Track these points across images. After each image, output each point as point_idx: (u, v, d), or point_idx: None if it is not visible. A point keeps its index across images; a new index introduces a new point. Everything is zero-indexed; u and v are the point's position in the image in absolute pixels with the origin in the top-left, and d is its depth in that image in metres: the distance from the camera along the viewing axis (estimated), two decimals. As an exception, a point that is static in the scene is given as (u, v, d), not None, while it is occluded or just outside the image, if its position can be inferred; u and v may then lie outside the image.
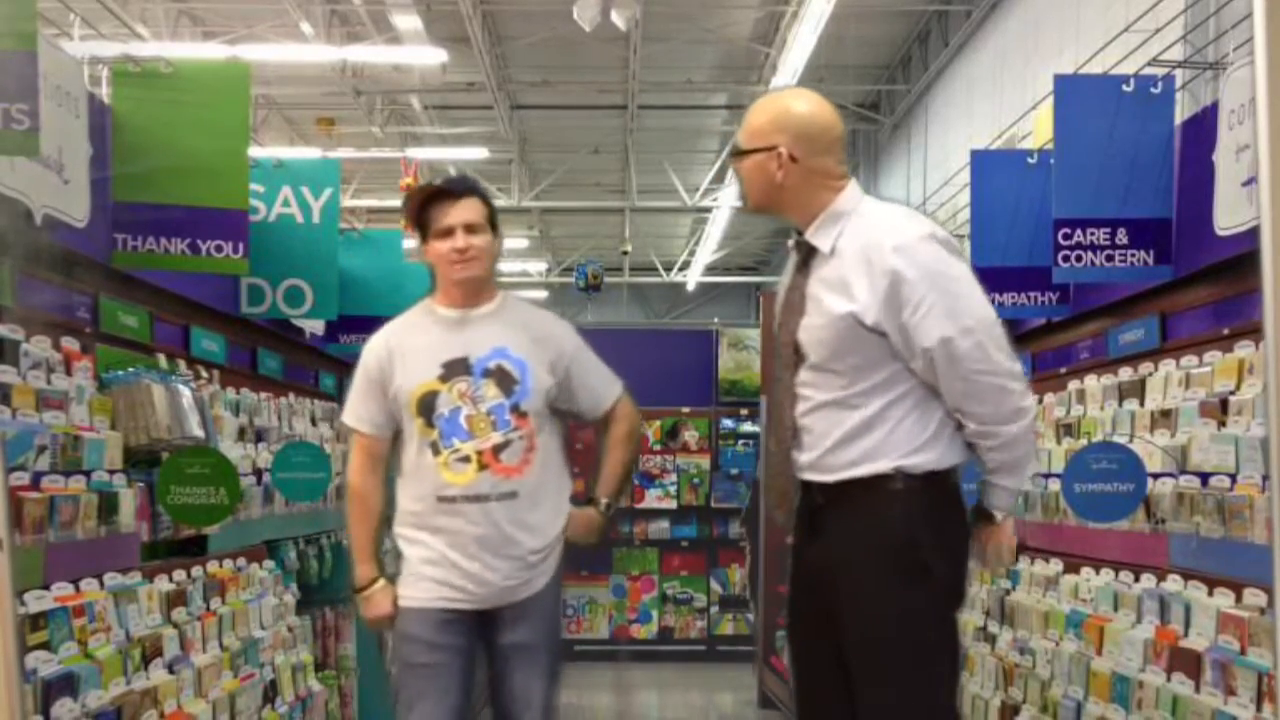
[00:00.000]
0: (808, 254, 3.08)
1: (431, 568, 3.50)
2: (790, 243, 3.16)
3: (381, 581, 3.57)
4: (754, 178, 3.10)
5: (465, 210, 3.54)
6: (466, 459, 3.48)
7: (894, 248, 2.92)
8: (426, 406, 3.50)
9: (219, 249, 4.65)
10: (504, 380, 3.52)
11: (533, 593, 3.55)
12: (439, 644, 3.49)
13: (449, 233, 3.52)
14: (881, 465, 2.96)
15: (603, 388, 3.74)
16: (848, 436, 2.98)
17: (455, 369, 3.52)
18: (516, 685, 3.55)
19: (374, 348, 3.66)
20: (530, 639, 3.55)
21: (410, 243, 7.82)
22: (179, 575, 4.36)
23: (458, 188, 3.59)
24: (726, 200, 17.51)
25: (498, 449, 3.49)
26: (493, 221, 3.59)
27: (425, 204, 3.56)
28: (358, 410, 3.64)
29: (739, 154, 3.11)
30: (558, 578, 3.63)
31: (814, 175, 3.05)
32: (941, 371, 2.93)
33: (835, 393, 3.00)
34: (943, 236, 3.00)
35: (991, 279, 5.55)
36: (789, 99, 3.16)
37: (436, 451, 3.49)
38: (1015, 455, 3.01)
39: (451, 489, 3.48)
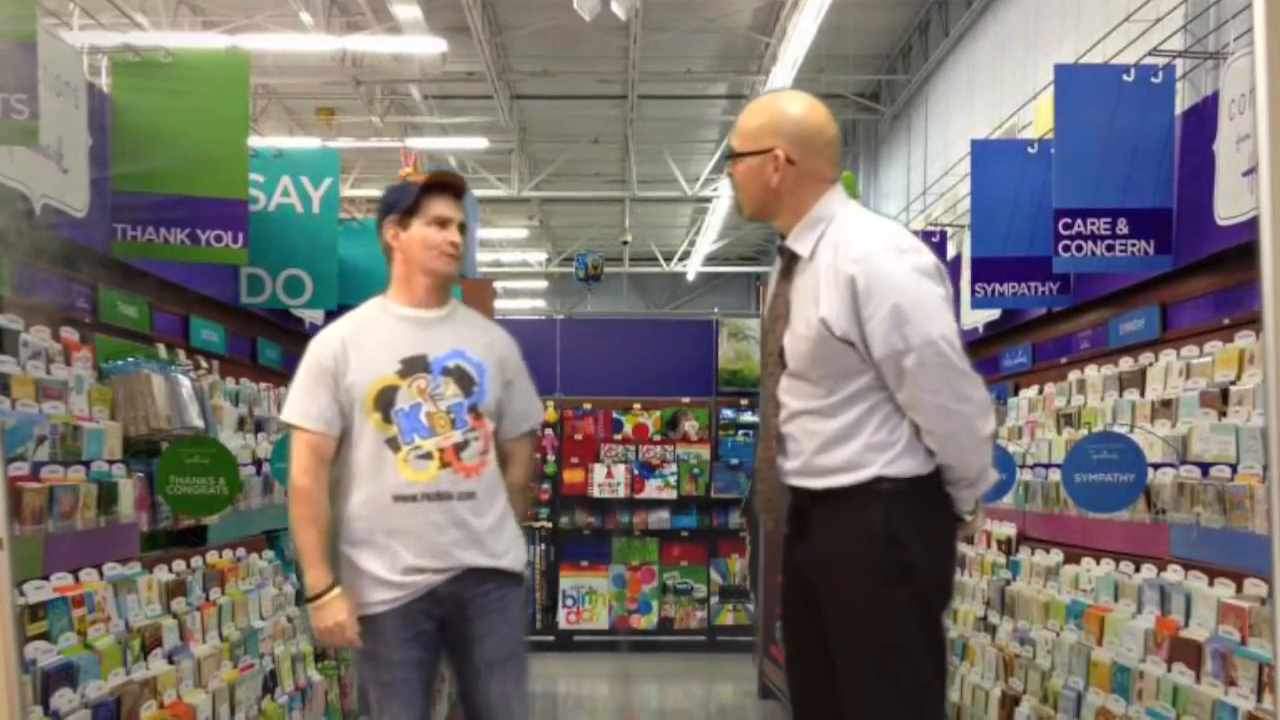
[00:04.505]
0: (791, 260, 3.07)
1: (389, 573, 3.40)
2: (777, 246, 3.15)
3: (337, 589, 3.39)
4: (749, 181, 3.07)
5: (459, 209, 3.55)
6: (428, 455, 3.40)
7: (855, 258, 2.90)
8: (384, 401, 3.41)
9: (218, 239, 4.64)
10: (463, 380, 3.47)
11: (501, 574, 3.49)
12: (403, 660, 3.42)
13: (445, 224, 3.50)
14: (863, 475, 2.94)
15: (529, 412, 3.67)
16: (825, 445, 2.97)
17: (414, 365, 3.45)
18: (495, 697, 3.49)
19: (326, 341, 3.51)
20: (504, 651, 3.50)
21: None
22: (178, 565, 4.37)
23: (462, 186, 3.58)
24: (726, 190, 17.49)
25: (458, 447, 3.43)
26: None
27: (427, 189, 3.52)
28: (305, 407, 3.46)
29: (733, 157, 3.09)
30: (520, 582, 3.57)
31: (807, 178, 3.03)
32: (891, 383, 2.92)
33: (812, 401, 2.99)
34: (908, 248, 2.94)
35: (992, 269, 5.59)
36: (783, 101, 3.12)
37: (396, 448, 3.40)
38: (965, 474, 2.97)
39: (413, 487, 3.39)
